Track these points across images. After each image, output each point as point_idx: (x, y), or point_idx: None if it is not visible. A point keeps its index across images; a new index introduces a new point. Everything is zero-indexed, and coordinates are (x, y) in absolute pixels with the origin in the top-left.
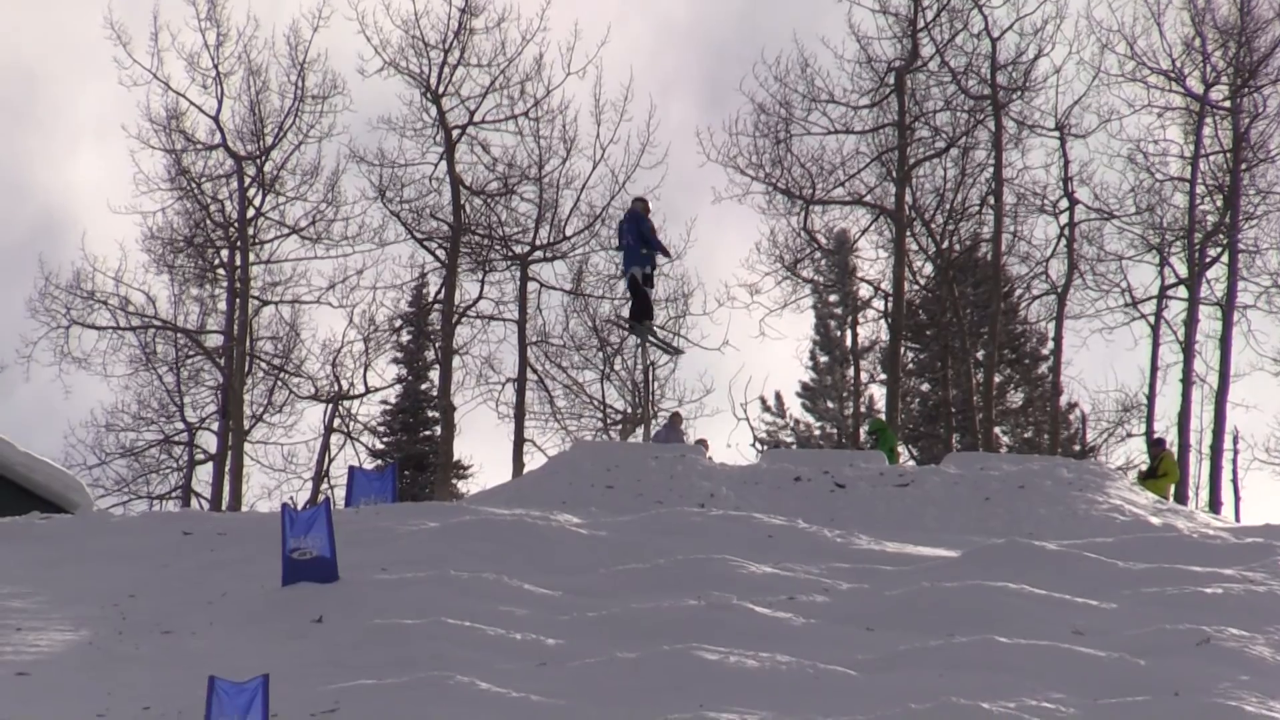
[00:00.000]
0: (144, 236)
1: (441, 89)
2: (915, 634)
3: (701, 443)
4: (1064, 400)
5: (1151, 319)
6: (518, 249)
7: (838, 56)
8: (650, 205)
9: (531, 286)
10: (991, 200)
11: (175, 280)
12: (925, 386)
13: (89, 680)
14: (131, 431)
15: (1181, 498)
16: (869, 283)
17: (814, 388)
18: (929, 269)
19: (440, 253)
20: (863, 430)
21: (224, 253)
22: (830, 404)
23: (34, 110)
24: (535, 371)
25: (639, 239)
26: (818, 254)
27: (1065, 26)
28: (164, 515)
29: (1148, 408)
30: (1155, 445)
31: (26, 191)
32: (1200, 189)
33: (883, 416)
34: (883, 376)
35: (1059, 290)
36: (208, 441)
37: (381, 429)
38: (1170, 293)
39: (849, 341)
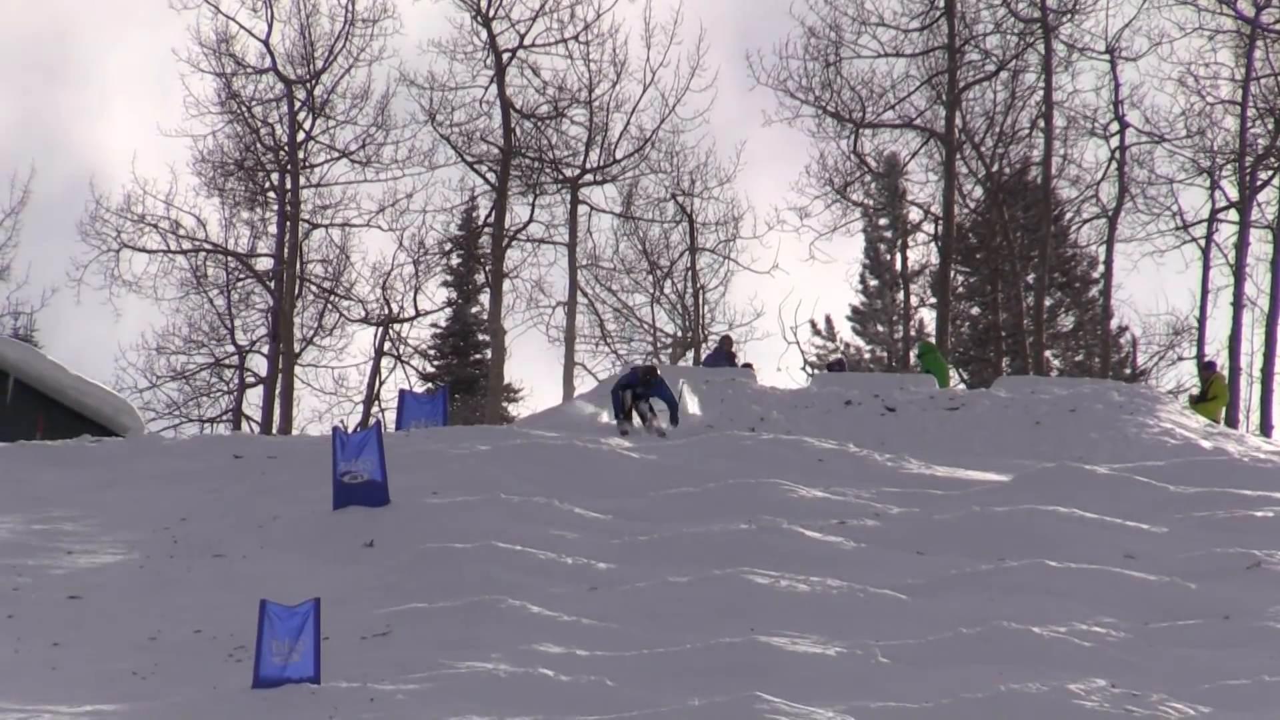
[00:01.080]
0: (194, 160)
1: (491, 12)
2: (965, 558)
3: (748, 367)
4: (1114, 324)
5: (1202, 242)
6: (568, 172)
7: None
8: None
9: (582, 210)
10: (1041, 123)
11: (225, 204)
12: (975, 310)
13: (140, 603)
14: (182, 355)
15: (1232, 421)
16: (919, 206)
17: (864, 311)
18: (979, 192)
19: (490, 176)
20: (913, 354)
21: (274, 176)
22: (880, 328)
23: (82, 44)
24: (585, 295)
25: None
26: (867, 177)
27: None
28: (215, 439)
29: (1198, 331)
30: (1206, 369)
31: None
32: (1251, 112)
33: (932, 340)
34: (932, 300)
35: (1109, 214)
36: (258, 365)
37: (432, 352)
38: (1221, 216)
39: (899, 265)
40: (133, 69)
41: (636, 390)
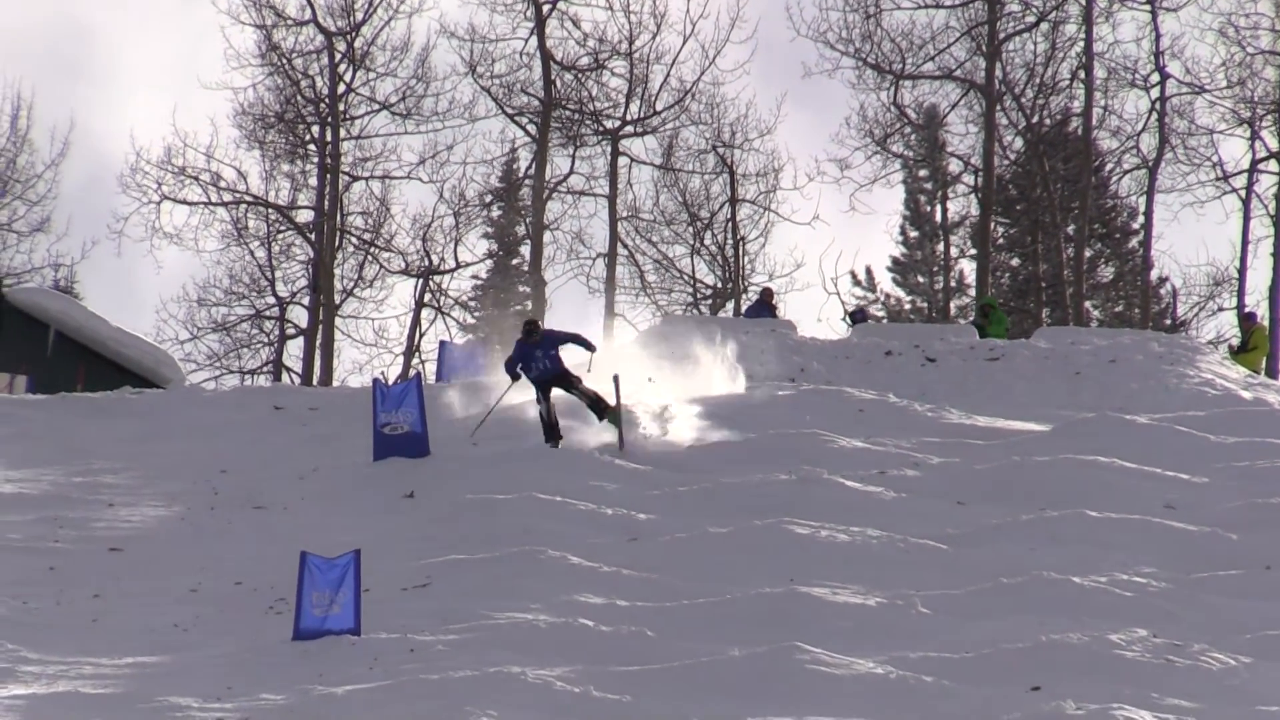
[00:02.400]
0: (235, 113)
1: None
2: (1006, 508)
3: (788, 324)
4: (1154, 275)
5: (1242, 193)
6: (608, 124)
7: None
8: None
9: (622, 162)
10: (1082, 75)
11: (266, 156)
12: (1015, 261)
13: (181, 556)
14: (223, 306)
15: (1272, 372)
16: (959, 158)
17: (904, 262)
18: (1019, 144)
19: (531, 128)
20: (962, 309)
21: (314, 128)
22: (921, 278)
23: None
24: (625, 246)
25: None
26: (907, 129)
27: None
28: (255, 390)
29: (1238, 282)
30: (1246, 319)
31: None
32: None
33: (992, 298)
34: (972, 252)
35: (1149, 164)
36: (299, 316)
37: (472, 304)
38: (1261, 167)
39: (939, 217)
40: (174, 20)
41: (534, 366)
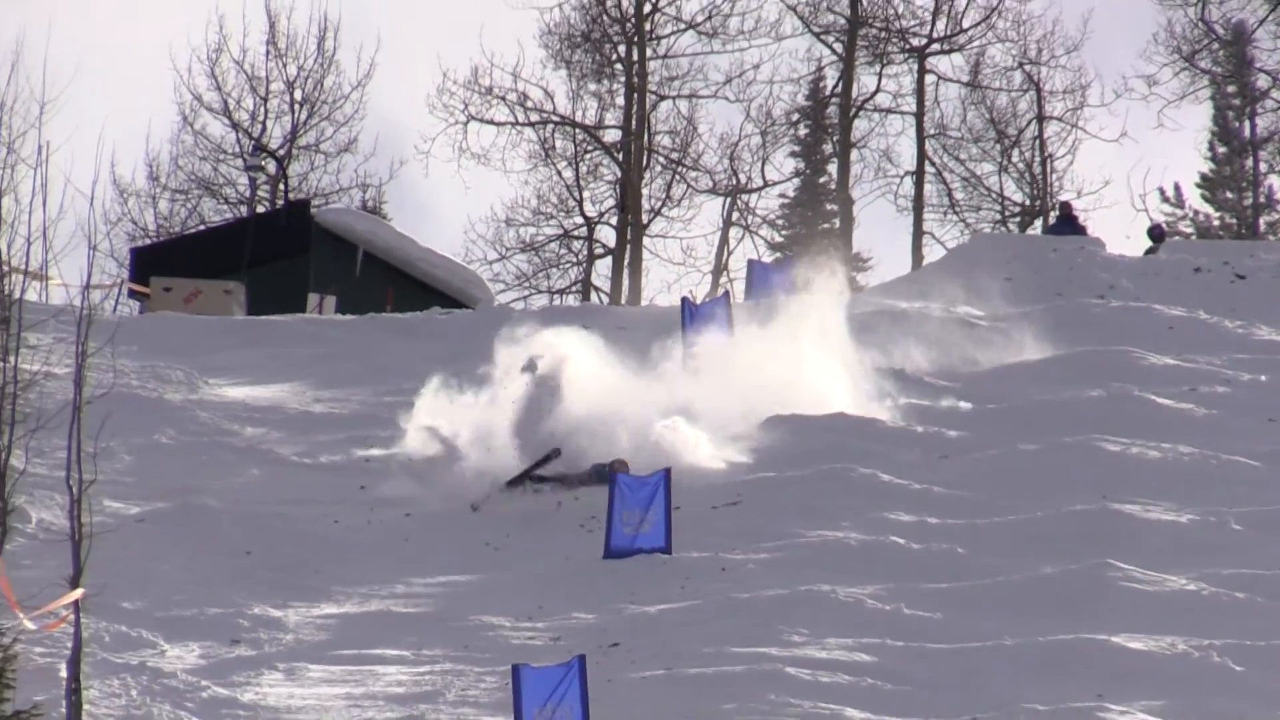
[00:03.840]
0: (541, 33)
1: None
2: None
3: (1097, 241)
4: None
5: None
6: (915, 42)
7: None
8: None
9: (929, 79)
10: None
11: (573, 76)
12: None
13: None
14: (531, 226)
15: None
16: (1267, 73)
17: (1212, 179)
18: None
19: (837, 46)
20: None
21: (621, 48)
22: (1229, 195)
23: None
24: (933, 164)
25: None
26: (1215, 45)
27: None
28: (564, 310)
29: None
30: None
31: None
32: None
33: None
34: None
35: None
36: (606, 236)
37: (780, 222)
38: None
39: (1247, 132)
40: None
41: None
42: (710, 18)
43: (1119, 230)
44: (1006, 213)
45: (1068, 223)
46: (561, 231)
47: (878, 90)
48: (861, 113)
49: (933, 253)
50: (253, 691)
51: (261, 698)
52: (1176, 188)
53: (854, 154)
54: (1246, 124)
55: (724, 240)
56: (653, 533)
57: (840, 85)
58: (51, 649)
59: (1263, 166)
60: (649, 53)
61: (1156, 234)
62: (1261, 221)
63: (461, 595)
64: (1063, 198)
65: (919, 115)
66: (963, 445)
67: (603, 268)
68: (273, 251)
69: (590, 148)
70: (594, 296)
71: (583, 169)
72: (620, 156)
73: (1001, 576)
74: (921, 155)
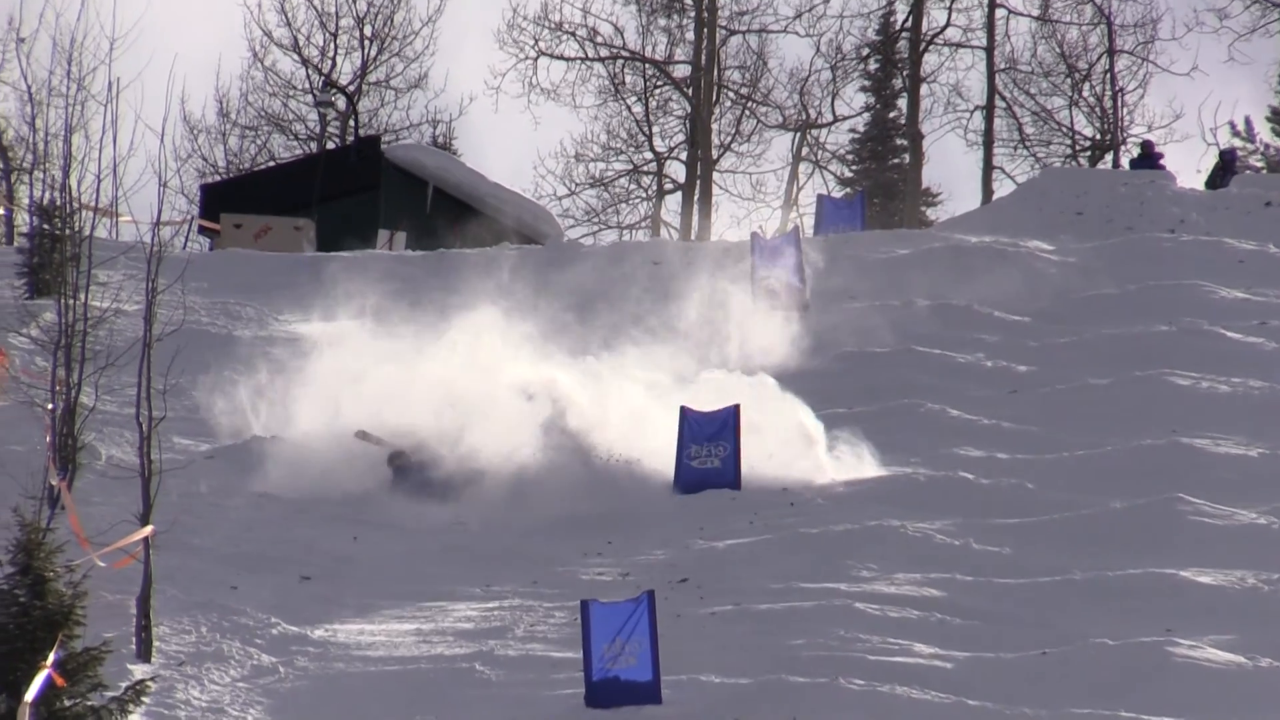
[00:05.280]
0: None
1: None
2: None
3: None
4: None
5: None
6: None
7: None
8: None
9: (999, 13)
10: None
11: (642, 10)
12: None
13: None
14: (600, 162)
15: None
16: None
17: None
18: None
19: None
20: None
21: None
22: None
23: None
24: (1003, 98)
25: None
26: None
27: None
28: (633, 245)
29: None
30: None
31: None
32: None
33: None
34: None
35: None
36: (676, 171)
37: (850, 157)
38: None
39: None
40: None
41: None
42: None
43: (1189, 164)
44: (1077, 147)
45: (1148, 160)
46: (631, 167)
47: (948, 24)
48: (932, 47)
49: (1003, 188)
50: (323, 628)
51: (332, 634)
52: (1247, 121)
53: (924, 88)
54: None
55: (794, 175)
56: (722, 468)
57: (910, 19)
58: (121, 586)
59: None
60: None
61: (1229, 158)
62: None
63: (530, 531)
64: (1137, 133)
65: (989, 49)
66: (1032, 380)
67: (672, 203)
68: (343, 188)
69: (660, 83)
70: (663, 232)
71: (652, 104)
72: (690, 91)
73: (1070, 511)
74: (992, 90)
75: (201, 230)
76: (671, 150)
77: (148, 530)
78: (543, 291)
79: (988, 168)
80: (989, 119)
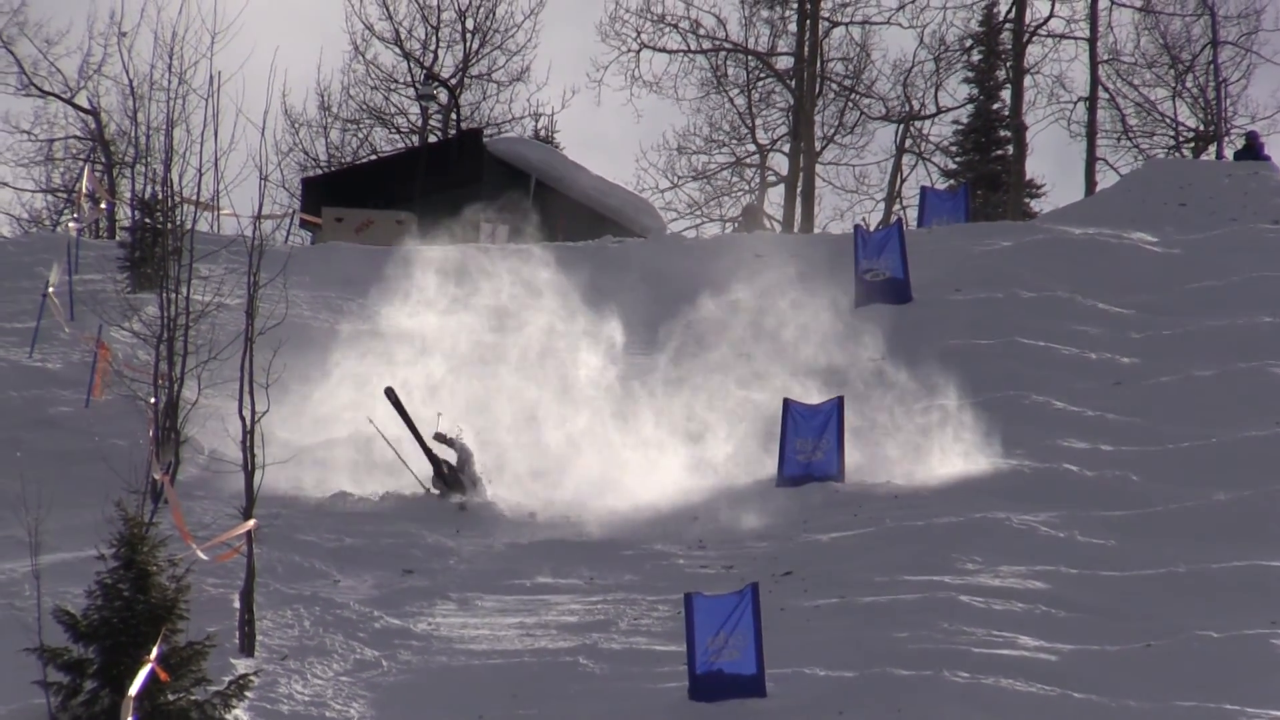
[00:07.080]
0: None
1: None
2: None
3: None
4: None
5: None
6: None
7: None
8: None
9: (1102, 4)
10: None
11: (745, 2)
12: None
13: (664, 398)
14: (703, 154)
15: None
16: None
17: None
18: None
19: None
20: None
21: None
22: None
23: None
24: (1106, 90)
25: None
26: None
27: None
28: (736, 238)
29: None
30: None
31: None
32: None
33: None
34: None
35: None
36: (779, 163)
37: (953, 149)
38: None
39: None
40: None
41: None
42: None
43: None
44: (1180, 139)
45: (1252, 151)
46: (733, 159)
47: (1051, 15)
48: (1035, 38)
49: (1106, 179)
50: (426, 621)
51: (434, 628)
52: None
53: (1027, 80)
54: None
55: (897, 167)
56: (826, 460)
57: (1014, 10)
58: (224, 579)
59: None
60: None
61: (1254, 140)
62: None
63: (633, 524)
64: (1240, 125)
65: (1092, 40)
66: (1136, 372)
67: (775, 195)
68: (444, 181)
69: (762, 75)
70: (766, 224)
71: (755, 96)
72: (792, 83)
73: (1175, 504)
74: (1095, 81)
75: (303, 224)
76: (774, 142)
77: (250, 524)
78: (645, 282)
79: (1091, 159)
80: (1092, 110)
